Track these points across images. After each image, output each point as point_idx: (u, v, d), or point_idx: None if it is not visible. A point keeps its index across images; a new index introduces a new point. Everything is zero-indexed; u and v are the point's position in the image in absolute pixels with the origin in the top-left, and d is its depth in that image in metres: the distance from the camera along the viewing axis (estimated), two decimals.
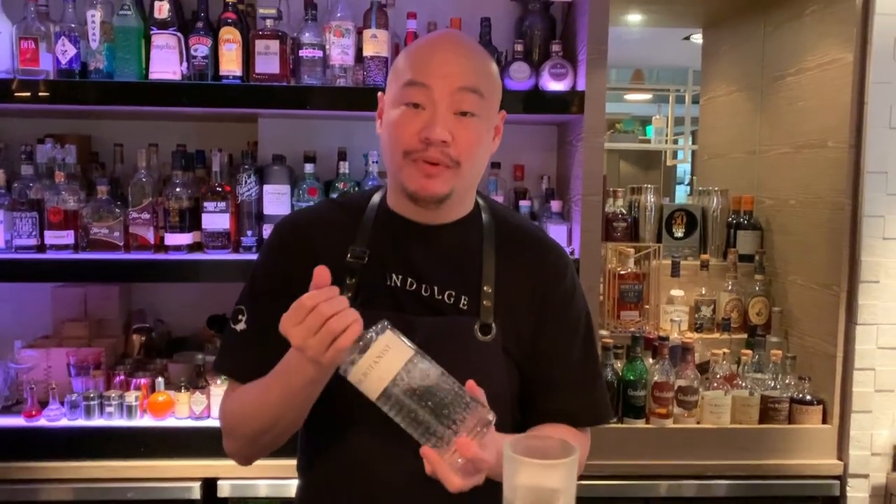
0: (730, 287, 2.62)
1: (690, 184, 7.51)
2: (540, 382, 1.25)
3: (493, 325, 1.21)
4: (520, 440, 0.78)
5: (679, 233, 2.76)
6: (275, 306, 1.17)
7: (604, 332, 2.45)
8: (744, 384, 2.35)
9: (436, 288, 1.22)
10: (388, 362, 0.97)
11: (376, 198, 1.30)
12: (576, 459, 0.78)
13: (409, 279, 1.23)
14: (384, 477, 1.19)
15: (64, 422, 2.20)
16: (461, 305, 1.22)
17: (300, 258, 1.21)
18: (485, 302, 1.21)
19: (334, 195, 2.27)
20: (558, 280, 1.28)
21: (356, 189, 2.29)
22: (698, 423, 2.30)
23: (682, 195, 7.47)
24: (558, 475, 0.75)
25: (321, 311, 1.00)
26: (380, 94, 1.26)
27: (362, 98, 2.19)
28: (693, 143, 6.69)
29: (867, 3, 2.18)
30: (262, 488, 2.15)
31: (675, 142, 7.23)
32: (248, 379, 1.21)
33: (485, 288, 1.22)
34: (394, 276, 1.23)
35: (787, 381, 2.34)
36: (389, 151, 1.20)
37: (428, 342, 1.08)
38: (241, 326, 1.26)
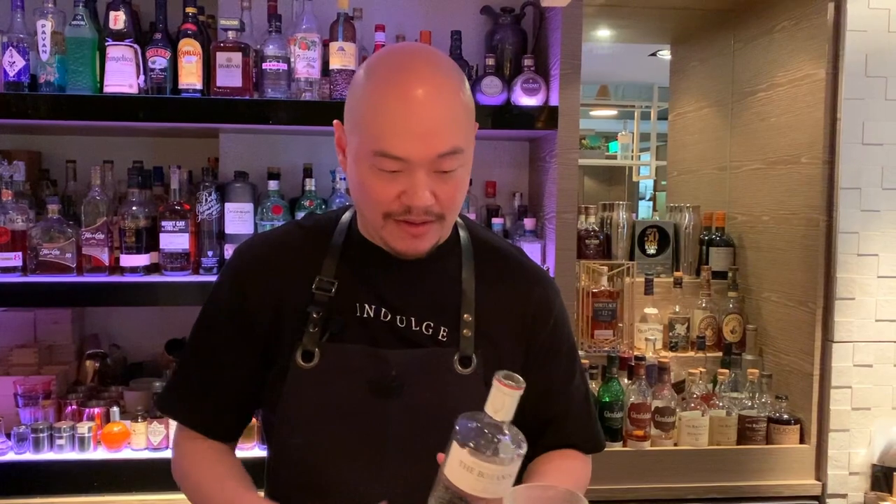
0: (703, 304, 2.59)
1: (653, 199, 7.57)
2: (538, 418, 1.18)
3: (474, 356, 1.13)
4: (521, 491, 0.71)
5: (652, 249, 2.72)
6: (225, 347, 1.16)
7: (580, 353, 2.39)
8: (721, 404, 2.31)
9: (413, 319, 1.14)
10: None
11: (345, 219, 1.21)
12: None
13: (383, 309, 1.14)
14: (349, 501, 1.12)
15: (11, 456, 2.07)
16: (440, 337, 1.14)
17: (258, 295, 1.15)
18: (465, 331, 1.13)
19: (299, 215, 2.18)
20: (548, 315, 1.22)
21: (324, 207, 2.21)
22: (676, 444, 2.25)
23: (644, 211, 7.51)
24: None
25: None
26: (336, 122, 1.14)
27: (329, 112, 2.10)
28: (657, 159, 6.73)
29: (838, 19, 2.18)
30: None
31: (640, 157, 7.28)
32: (195, 424, 1.18)
33: (465, 316, 1.14)
34: (366, 307, 1.14)
35: (763, 401, 2.31)
36: (365, 207, 1.10)
37: (403, 377, 1.02)
38: (189, 363, 1.21)
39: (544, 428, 1.21)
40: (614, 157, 7.54)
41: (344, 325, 1.13)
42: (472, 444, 0.87)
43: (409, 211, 1.04)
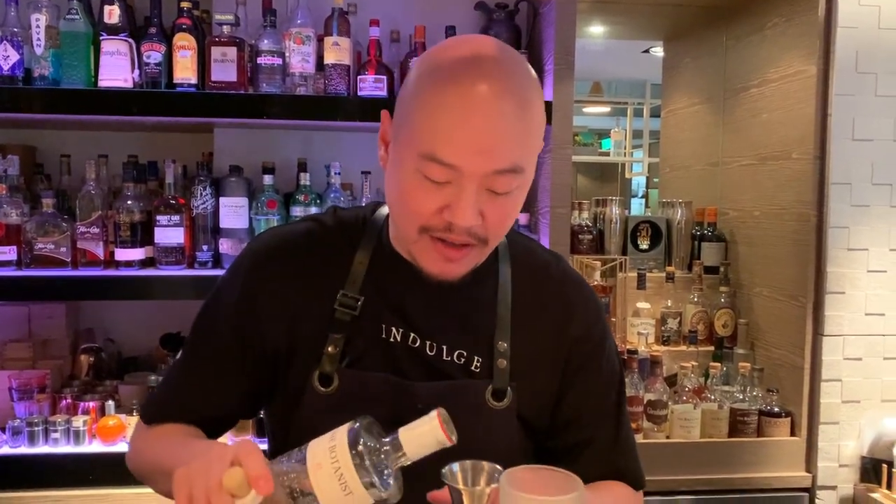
0: (695, 299, 2.61)
1: (645, 196, 7.60)
2: (574, 451, 1.08)
3: (509, 388, 1.03)
4: (516, 471, 0.72)
5: (644, 245, 2.74)
6: (223, 357, 1.06)
7: None
8: (712, 397, 2.33)
9: (445, 347, 1.03)
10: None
11: (375, 222, 1.08)
12: (581, 495, 0.71)
13: (412, 334, 1.03)
14: None
15: (5, 449, 2.07)
16: (473, 367, 1.03)
17: (270, 308, 1.04)
18: (499, 362, 1.02)
19: (294, 209, 2.19)
20: (586, 341, 1.10)
21: (318, 202, 2.21)
22: (668, 437, 2.27)
23: (637, 207, 7.54)
24: None
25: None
26: (384, 113, 1.00)
27: (324, 107, 2.13)
28: (650, 155, 6.75)
29: (829, 16, 2.20)
30: None
31: (633, 154, 7.31)
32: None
33: (499, 344, 1.03)
34: (392, 330, 1.03)
35: (755, 394, 2.33)
36: (400, 216, 0.97)
37: (429, 411, 0.89)
38: (181, 368, 1.11)
39: (580, 453, 1.09)
40: (607, 154, 7.56)
41: (365, 351, 1.02)
42: (359, 455, 0.75)
43: (449, 229, 0.92)
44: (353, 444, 0.75)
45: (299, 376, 1.02)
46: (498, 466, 0.78)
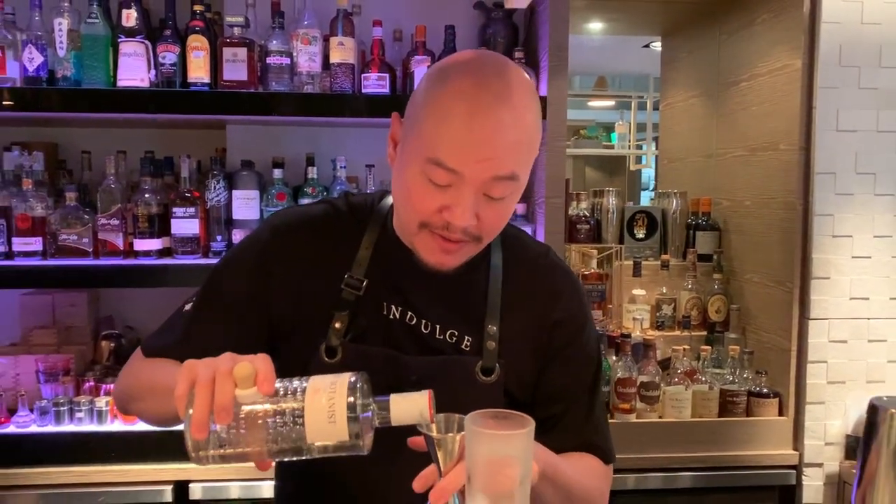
0: (689, 286, 2.71)
1: (656, 189, 7.65)
2: (548, 422, 1.17)
3: (497, 365, 1.14)
4: (479, 414, 0.84)
5: (640, 234, 2.84)
6: (233, 306, 1.15)
7: None
8: (704, 379, 2.43)
9: (438, 326, 1.15)
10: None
11: (382, 209, 1.19)
12: (531, 431, 0.83)
13: (409, 313, 1.14)
14: (362, 477, 1.16)
15: (34, 428, 2.20)
16: (464, 346, 1.15)
17: (283, 277, 1.15)
18: (489, 343, 1.14)
19: (302, 202, 2.30)
20: (568, 324, 1.20)
21: (325, 195, 2.32)
22: (660, 417, 2.37)
23: (646, 200, 7.60)
24: (515, 444, 0.81)
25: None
26: (395, 115, 1.11)
27: (330, 104, 2.23)
28: (656, 148, 6.82)
29: (814, 11, 2.28)
30: (234, 490, 2.17)
31: (640, 147, 7.37)
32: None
33: (489, 327, 1.14)
34: (392, 308, 1.14)
35: (745, 376, 2.43)
36: (403, 210, 1.08)
37: (423, 382, 0.97)
38: (189, 313, 1.19)
39: (554, 425, 1.18)
40: (611, 147, 7.63)
41: (367, 328, 1.13)
42: (353, 395, 0.84)
43: (447, 227, 1.02)
44: (351, 388, 0.85)
45: (307, 347, 1.13)
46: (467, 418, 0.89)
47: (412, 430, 0.90)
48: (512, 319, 1.16)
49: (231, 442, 0.83)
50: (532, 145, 1.05)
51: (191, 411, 0.81)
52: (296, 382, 0.86)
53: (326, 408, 0.83)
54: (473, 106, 0.98)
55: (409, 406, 0.86)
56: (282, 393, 0.84)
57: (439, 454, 0.88)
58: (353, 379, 0.86)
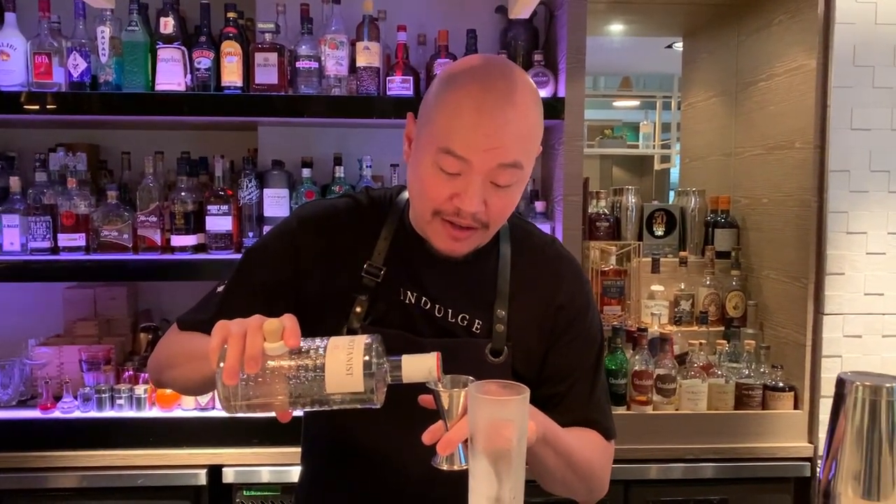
0: (708, 282, 2.76)
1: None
2: (552, 400, 1.25)
3: (505, 347, 1.23)
4: (483, 383, 0.93)
5: (659, 231, 2.90)
6: (258, 292, 1.24)
7: None
8: (720, 373, 2.48)
9: (450, 310, 1.23)
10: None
11: (399, 202, 1.29)
12: (526, 398, 0.92)
13: (424, 298, 1.23)
14: (383, 463, 1.23)
15: (77, 413, 2.32)
16: (474, 329, 1.23)
17: (308, 265, 1.23)
18: (498, 326, 1.22)
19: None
20: (570, 308, 1.28)
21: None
22: (677, 409, 2.43)
23: (673, 199, 7.59)
24: (511, 408, 0.91)
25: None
26: (410, 115, 1.21)
27: (356, 106, 2.33)
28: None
29: (828, 12, 2.33)
30: (265, 474, 2.28)
31: (667, 147, 7.38)
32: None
33: (498, 311, 1.23)
34: (408, 294, 1.24)
35: (761, 370, 2.47)
36: (417, 200, 1.18)
37: None
38: (223, 293, 1.28)
39: (558, 402, 1.25)
40: (635, 147, 7.65)
41: (385, 312, 1.22)
42: (369, 354, 0.93)
43: (457, 213, 1.11)
44: (367, 347, 0.94)
45: (329, 330, 1.19)
46: (472, 378, 0.98)
47: (425, 421, 0.99)
48: (519, 304, 1.25)
49: (258, 393, 0.93)
50: (534, 139, 1.15)
51: (222, 364, 0.90)
52: (318, 341, 0.95)
53: (345, 362, 0.92)
54: (481, 103, 1.08)
55: (419, 365, 0.95)
56: (304, 349, 0.93)
57: (445, 409, 0.98)
58: (368, 340, 0.96)
